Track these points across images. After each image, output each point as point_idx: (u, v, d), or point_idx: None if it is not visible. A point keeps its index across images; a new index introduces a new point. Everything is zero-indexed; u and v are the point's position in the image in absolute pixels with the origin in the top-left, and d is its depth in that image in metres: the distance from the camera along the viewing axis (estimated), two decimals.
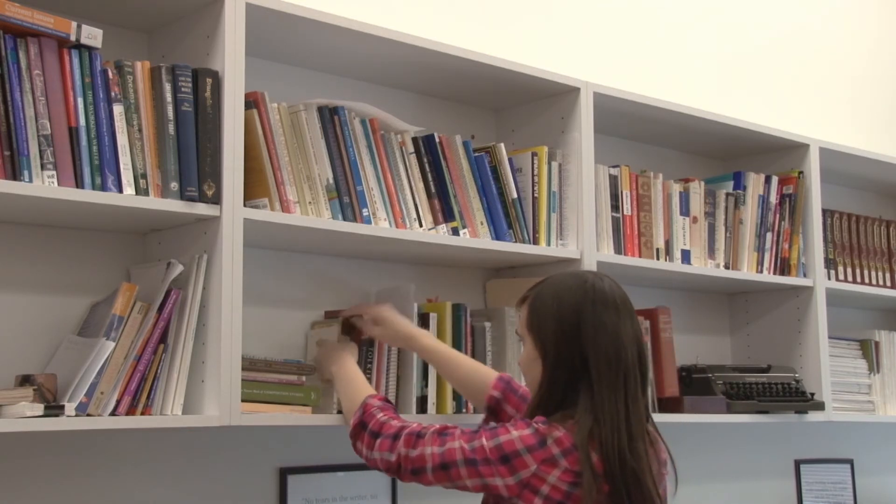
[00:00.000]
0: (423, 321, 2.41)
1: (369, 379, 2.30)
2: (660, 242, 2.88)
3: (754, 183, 3.17)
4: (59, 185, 1.86)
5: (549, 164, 2.65)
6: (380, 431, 1.96)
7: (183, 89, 2.02)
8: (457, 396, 2.42)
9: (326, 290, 2.49)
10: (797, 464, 3.52)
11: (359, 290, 2.53)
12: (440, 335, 2.43)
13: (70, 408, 1.86)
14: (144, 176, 1.97)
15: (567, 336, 1.91)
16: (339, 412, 2.21)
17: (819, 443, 3.59)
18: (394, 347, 2.36)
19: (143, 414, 1.98)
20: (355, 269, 2.54)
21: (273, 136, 2.17)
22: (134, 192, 1.95)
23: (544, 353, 1.93)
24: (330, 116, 2.28)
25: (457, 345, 2.45)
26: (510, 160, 2.60)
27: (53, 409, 1.85)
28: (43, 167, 1.84)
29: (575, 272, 2.04)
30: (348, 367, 2.20)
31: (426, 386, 2.38)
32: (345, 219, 2.25)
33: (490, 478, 1.83)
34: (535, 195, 2.62)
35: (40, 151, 1.85)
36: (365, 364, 2.31)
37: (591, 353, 1.89)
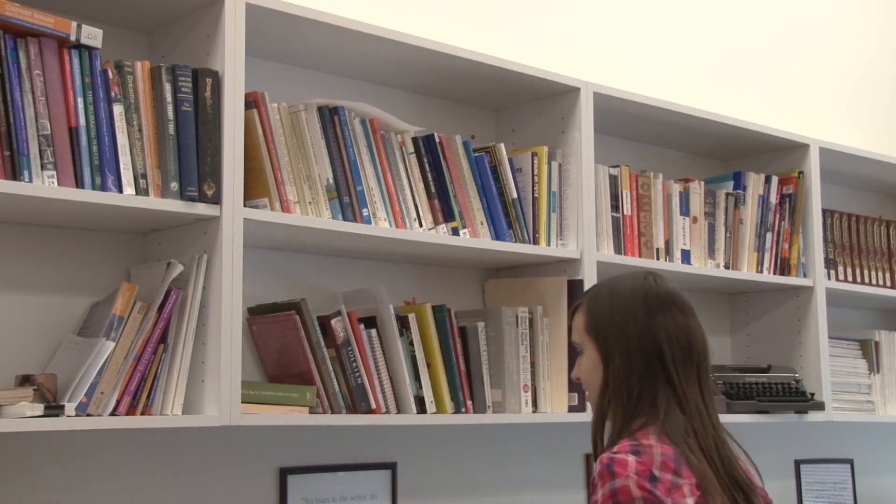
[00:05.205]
0: (403, 324, 2.34)
1: (360, 384, 2.22)
2: (660, 242, 2.88)
3: (754, 183, 3.17)
4: (59, 185, 1.86)
5: (549, 164, 2.65)
6: None
7: (183, 89, 2.02)
8: (455, 396, 2.40)
9: (326, 291, 2.49)
10: (797, 464, 3.52)
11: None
12: (423, 337, 2.36)
13: (70, 408, 1.86)
14: (144, 176, 1.97)
15: (636, 329, 1.79)
16: (335, 412, 2.14)
17: (819, 443, 3.59)
18: (376, 346, 2.29)
19: (143, 414, 1.98)
20: (355, 269, 2.54)
21: (273, 136, 2.17)
22: (134, 192, 1.95)
23: (608, 352, 1.80)
24: (330, 116, 2.28)
25: (444, 347, 2.40)
26: (510, 160, 2.60)
27: (53, 409, 1.85)
28: (43, 167, 1.84)
29: (629, 273, 1.90)
30: None
31: (420, 387, 2.34)
32: (345, 219, 2.25)
33: None
34: (535, 195, 2.62)
35: (40, 151, 1.85)
36: (351, 367, 2.23)
37: (664, 345, 1.78)
